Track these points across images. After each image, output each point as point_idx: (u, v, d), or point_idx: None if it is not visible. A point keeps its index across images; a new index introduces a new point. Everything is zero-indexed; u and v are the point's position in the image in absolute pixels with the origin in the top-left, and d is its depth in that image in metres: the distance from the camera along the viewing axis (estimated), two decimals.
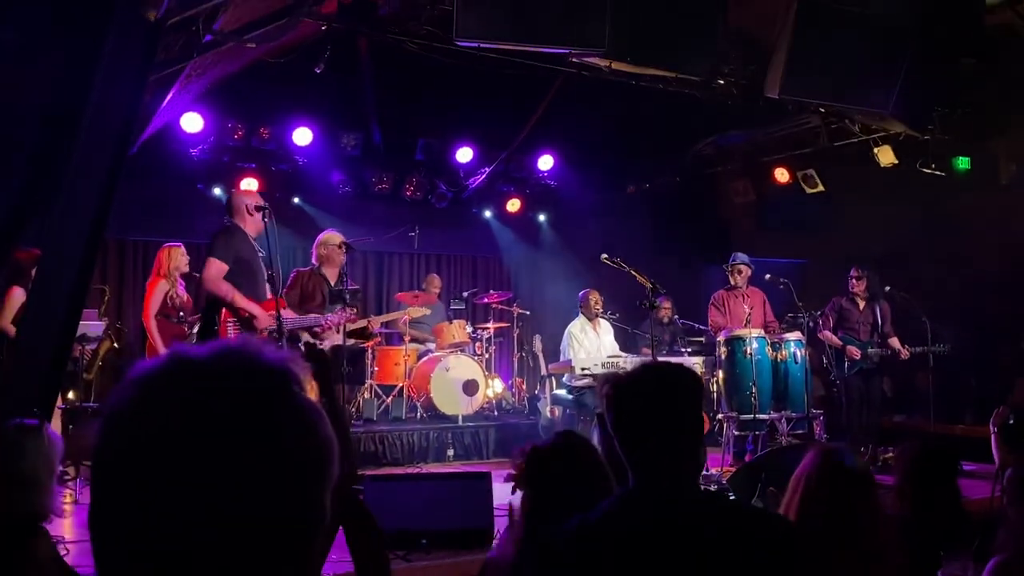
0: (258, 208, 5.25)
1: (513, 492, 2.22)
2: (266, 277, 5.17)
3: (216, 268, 4.90)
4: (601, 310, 8.11)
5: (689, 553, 1.71)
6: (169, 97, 6.41)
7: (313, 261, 6.50)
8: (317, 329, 5.58)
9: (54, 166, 3.68)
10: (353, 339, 6.39)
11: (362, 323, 6.48)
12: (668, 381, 1.87)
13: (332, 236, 6.51)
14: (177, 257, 6.44)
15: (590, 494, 1.99)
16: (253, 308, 4.98)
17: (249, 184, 8.92)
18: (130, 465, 0.77)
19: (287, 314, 5.13)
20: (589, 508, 1.82)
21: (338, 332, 6.09)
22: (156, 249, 6.71)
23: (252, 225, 5.19)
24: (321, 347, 2.19)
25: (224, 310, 4.94)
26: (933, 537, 2.56)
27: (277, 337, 4.79)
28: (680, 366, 1.99)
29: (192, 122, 8.12)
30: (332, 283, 6.32)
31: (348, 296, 6.03)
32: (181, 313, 6.39)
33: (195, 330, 5.71)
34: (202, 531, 0.75)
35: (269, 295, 5.21)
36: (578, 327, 8.08)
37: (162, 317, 6.30)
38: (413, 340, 8.86)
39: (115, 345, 6.74)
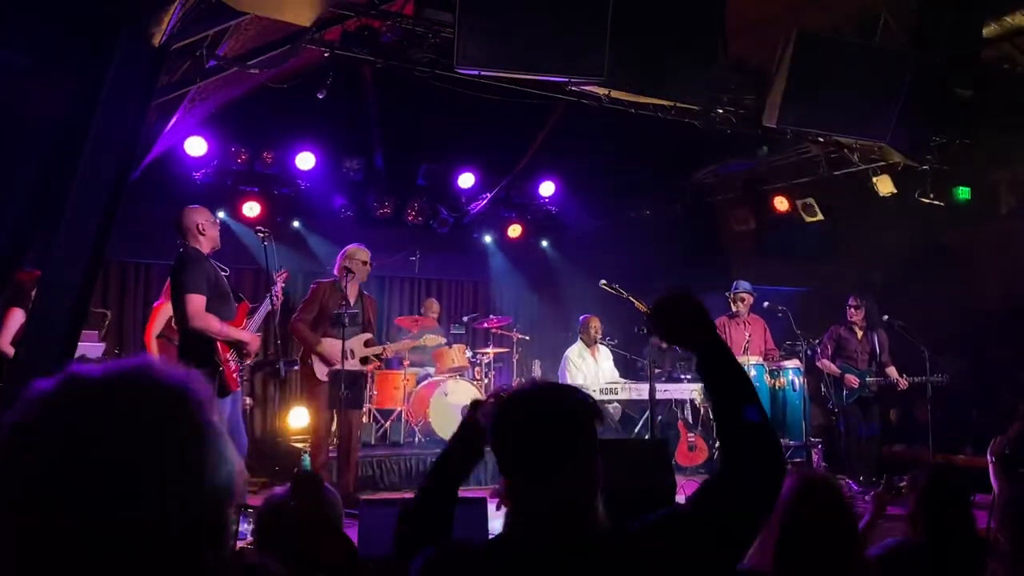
0: (258, 231, 5.25)
1: (498, 508, 2.22)
2: (232, 296, 5.05)
3: (197, 303, 4.73)
4: (600, 336, 8.12)
5: None
6: (173, 121, 6.48)
7: (335, 272, 6.35)
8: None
9: (57, 188, 3.71)
10: (367, 363, 6.40)
11: (378, 349, 6.48)
12: (554, 404, 1.57)
13: (359, 251, 6.36)
14: None
15: None
16: (243, 335, 4.94)
17: (251, 208, 8.97)
18: (17, 482, 0.77)
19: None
20: None
21: (352, 357, 6.07)
22: (158, 272, 6.72)
23: (207, 244, 4.99)
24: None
25: (219, 342, 4.85)
26: (946, 563, 2.58)
27: (275, 361, 4.74)
28: (575, 390, 1.66)
29: (196, 146, 8.18)
30: (351, 301, 6.23)
31: (347, 320, 6.02)
32: None
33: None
34: (84, 547, 0.75)
35: (239, 308, 5.10)
36: (576, 352, 8.08)
37: (164, 339, 6.31)
38: (412, 364, 8.85)
39: None
